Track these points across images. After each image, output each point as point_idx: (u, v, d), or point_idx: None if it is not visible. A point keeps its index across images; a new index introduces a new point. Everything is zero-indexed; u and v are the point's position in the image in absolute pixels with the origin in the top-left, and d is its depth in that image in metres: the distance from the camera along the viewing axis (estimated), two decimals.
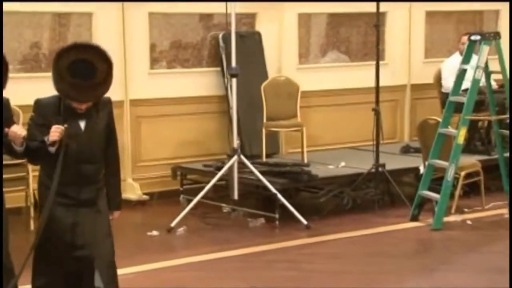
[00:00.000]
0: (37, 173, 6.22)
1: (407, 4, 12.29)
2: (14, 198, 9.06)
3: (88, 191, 5.49)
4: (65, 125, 5.20)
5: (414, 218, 9.25)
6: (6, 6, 9.47)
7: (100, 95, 5.40)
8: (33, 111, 5.52)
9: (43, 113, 5.43)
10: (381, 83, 10.18)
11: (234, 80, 9.49)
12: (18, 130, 5.23)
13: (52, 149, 5.21)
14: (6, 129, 5.26)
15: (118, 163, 5.86)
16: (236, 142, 9.47)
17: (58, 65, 5.23)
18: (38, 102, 5.51)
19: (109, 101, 5.61)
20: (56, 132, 5.14)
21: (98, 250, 5.46)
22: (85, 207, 5.47)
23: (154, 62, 10.72)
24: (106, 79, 5.31)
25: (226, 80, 10.65)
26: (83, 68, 5.20)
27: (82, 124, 5.42)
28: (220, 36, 10.78)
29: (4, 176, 8.69)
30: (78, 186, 5.44)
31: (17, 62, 10.13)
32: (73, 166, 5.35)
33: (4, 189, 8.93)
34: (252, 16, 11.21)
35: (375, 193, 9.86)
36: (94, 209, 5.51)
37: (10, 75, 9.74)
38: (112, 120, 5.71)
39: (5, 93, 8.85)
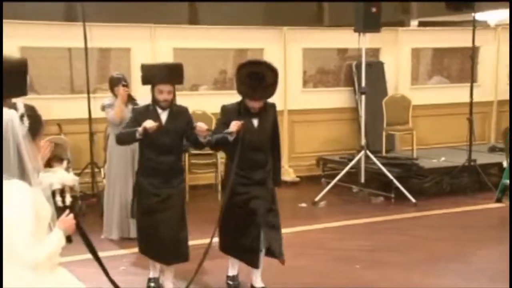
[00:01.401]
0: (223, 160, 6.42)
1: (496, 41, 11.99)
2: (207, 178, 9.45)
3: (259, 173, 5.47)
4: (242, 121, 5.27)
5: (498, 200, 9.03)
6: (207, 43, 9.94)
7: (269, 95, 5.45)
8: (220, 113, 5.67)
9: (227, 114, 5.49)
10: (474, 99, 9.98)
11: (363, 97, 9.57)
12: (203, 125, 5.43)
13: (231, 138, 5.24)
14: (194, 124, 5.45)
15: (280, 152, 5.83)
16: (363, 141, 9.54)
17: (240, 74, 5.40)
18: (223, 107, 5.61)
19: (273, 105, 5.66)
20: (235, 125, 5.23)
21: (266, 219, 5.40)
22: (257, 186, 5.46)
23: (305, 83, 10.92)
24: (273, 83, 5.39)
25: (356, 96, 10.72)
26: (257, 76, 5.31)
27: (255, 122, 5.46)
28: (353, 64, 10.84)
29: (200, 162, 9.13)
30: (252, 169, 5.43)
31: (211, 83, 10.57)
32: (247, 154, 5.35)
33: (199, 171, 9.37)
34: (377, 50, 11.22)
35: (468, 181, 9.68)
36: (264, 187, 5.49)
37: (206, 92, 10.19)
38: (276, 120, 5.70)
39: (202, 106, 9.02)
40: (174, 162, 5.52)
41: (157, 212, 5.41)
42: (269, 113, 5.58)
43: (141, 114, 5.48)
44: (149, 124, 5.21)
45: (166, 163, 5.42)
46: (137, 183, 5.63)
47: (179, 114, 5.56)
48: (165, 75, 5.44)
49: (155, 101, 5.47)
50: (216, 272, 5.95)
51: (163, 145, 5.39)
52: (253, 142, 5.39)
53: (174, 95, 5.55)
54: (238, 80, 5.41)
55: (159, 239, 5.38)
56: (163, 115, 5.46)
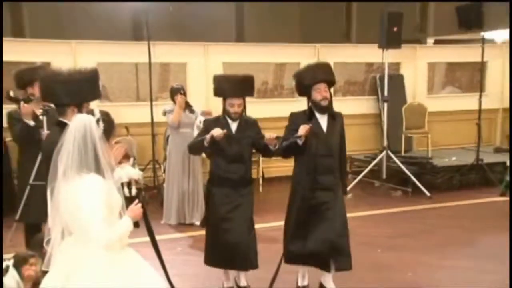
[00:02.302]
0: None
1: (502, 56, 11.77)
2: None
3: (328, 179, 4.77)
4: (310, 124, 4.67)
5: (502, 194, 8.89)
6: (251, 58, 9.89)
7: (332, 75, 4.89)
8: (288, 120, 4.95)
9: (295, 120, 4.82)
10: (482, 107, 9.86)
11: (385, 104, 9.54)
12: (271, 135, 4.76)
13: (300, 142, 4.62)
14: (267, 136, 4.78)
15: (345, 161, 5.17)
16: (385, 142, 9.48)
17: (298, 73, 4.92)
18: (291, 114, 4.95)
19: (341, 114, 5.01)
20: (303, 128, 4.60)
21: (337, 224, 4.76)
22: (325, 191, 4.76)
23: (335, 92, 10.74)
24: (329, 65, 4.96)
25: (380, 104, 10.63)
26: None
27: (324, 127, 4.80)
28: (377, 76, 10.76)
29: None
30: (320, 175, 4.75)
31: (254, 92, 10.52)
32: (316, 159, 4.72)
33: None
34: (398, 64, 11.10)
35: (475, 177, 9.56)
36: (332, 193, 4.79)
37: (250, 99, 10.11)
38: (343, 128, 4.99)
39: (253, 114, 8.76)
40: (243, 171, 4.88)
41: (227, 221, 4.81)
42: (337, 121, 4.90)
43: (212, 125, 4.88)
44: (216, 132, 4.66)
45: (235, 172, 4.82)
46: (208, 193, 5.01)
47: (249, 126, 4.97)
48: (237, 89, 4.87)
49: (226, 112, 4.93)
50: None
51: (232, 154, 4.83)
52: (322, 147, 4.75)
53: (245, 106, 5.00)
54: (299, 73, 4.87)
55: (229, 247, 4.80)
56: (233, 126, 4.91)
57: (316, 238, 4.74)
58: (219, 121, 4.91)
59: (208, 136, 4.68)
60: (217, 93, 5.00)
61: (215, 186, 4.90)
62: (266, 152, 4.95)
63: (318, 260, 4.81)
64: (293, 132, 4.71)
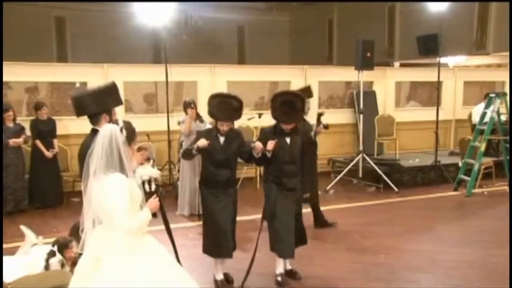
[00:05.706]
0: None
1: (454, 77, 11.78)
2: (249, 172, 9.35)
3: (292, 182, 4.87)
4: (276, 140, 4.74)
5: (455, 190, 8.84)
6: (250, 77, 9.83)
7: (299, 118, 4.90)
8: (259, 135, 5.08)
9: (265, 135, 4.87)
10: (439, 118, 9.84)
11: (361, 115, 9.44)
12: (260, 146, 4.71)
13: (269, 155, 4.71)
14: (252, 145, 4.76)
15: (310, 166, 5.10)
16: (361, 147, 9.41)
17: (274, 103, 4.76)
18: (262, 130, 5.14)
19: (300, 130, 5.03)
20: (271, 144, 4.69)
21: (292, 220, 4.86)
22: (290, 191, 4.86)
23: (319, 105, 10.70)
24: (301, 109, 4.80)
25: (356, 115, 10.58)
26: (288, 104, 4.72)
27: (288, 140, 4.85)
28: (354, 92, 10.72)
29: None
30: (286, 178, 4.84)
31: (253, 105, 10.46)
32: (282, 166, 4.82)
33: (244, 167, 9.24)
34: (371, 83, 11.06)
35: (434, 176, 9.50)
36: (294, 193, 4.90)
37: (250, 111, 9.97)
38: (304, 140, 4.99)
39: (246, 122, 8.76)
40: (229, 175, 4.79)
41: (218, 215, 4.73)
42: (299, 134, 4.93)
43: (203, 135, 4.79)
44: (201, 142, 4.64)
45: (222, 175, 4.74)
46: (201, 192, 4.94)
47: (234, 138, 4.81)
48: (226, 116, 4.71)
49: (217, 128, 4.80)
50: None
51: (220, 161, 4.74)
52: (286, 156, 4.82)
53: (233, 123, 4.88)
54: (273, 108, 4.77)
55: (220, 235, 4.73)
56: (221, 138, 4.78)
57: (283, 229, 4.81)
58: (210, 133, 4.81)
59: (195, 146, 4.67)
60: (210, 115, 4.83)
61: (206, 187, 4.82)
62: (249, 159, 4.86)
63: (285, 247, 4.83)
64: (264, 145, 4.72)
